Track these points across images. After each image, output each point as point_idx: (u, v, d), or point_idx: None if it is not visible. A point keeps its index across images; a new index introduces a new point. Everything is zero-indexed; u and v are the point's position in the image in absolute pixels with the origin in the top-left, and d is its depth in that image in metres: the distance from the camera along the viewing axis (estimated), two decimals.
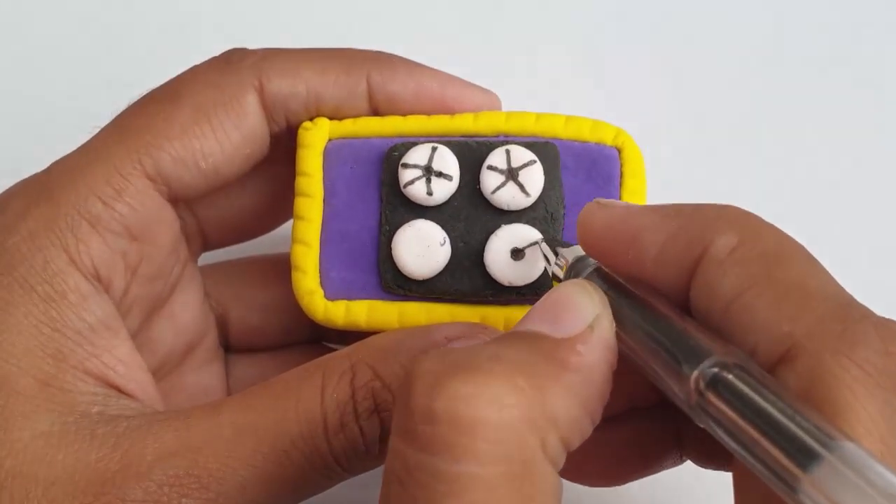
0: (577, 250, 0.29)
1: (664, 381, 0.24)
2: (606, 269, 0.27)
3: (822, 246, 0.42)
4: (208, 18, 0.47)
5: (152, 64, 0.44)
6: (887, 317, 0.23)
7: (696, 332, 0.24)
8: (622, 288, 0.26)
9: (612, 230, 0.27)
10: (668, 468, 0.30)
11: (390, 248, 0.33)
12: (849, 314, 0.23)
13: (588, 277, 0.27)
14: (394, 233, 0.33)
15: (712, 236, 0.25)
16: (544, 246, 0.31)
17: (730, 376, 0.23)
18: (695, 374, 0.23)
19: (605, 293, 0.26)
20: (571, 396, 0.24)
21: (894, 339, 0.22)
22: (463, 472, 0.22)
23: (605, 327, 0.25)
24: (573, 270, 0.28)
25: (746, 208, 0.26)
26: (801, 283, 0.24)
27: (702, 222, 0.25)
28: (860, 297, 0.24)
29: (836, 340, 0.22)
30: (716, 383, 0.23)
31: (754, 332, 0.24)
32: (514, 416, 0.23)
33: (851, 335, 0.22)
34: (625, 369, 0.25)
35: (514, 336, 0.25)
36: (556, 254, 0.30)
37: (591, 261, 0.28)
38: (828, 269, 0.25)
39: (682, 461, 0.30)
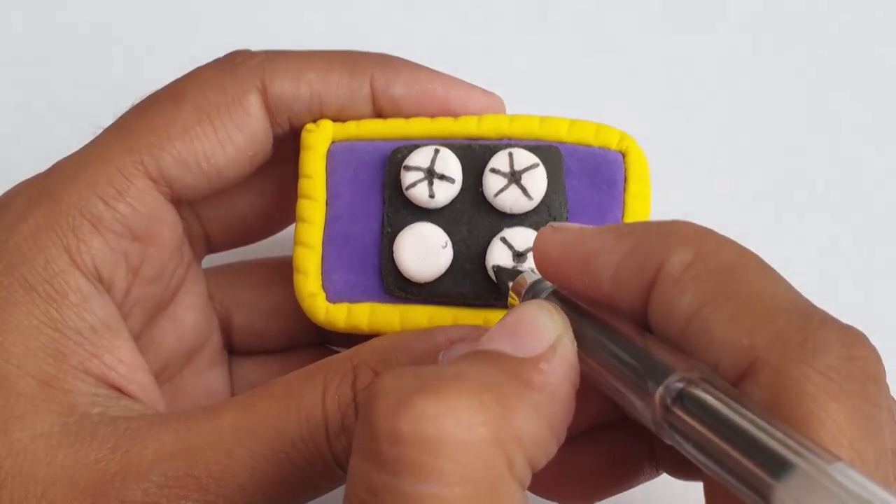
0: (533, 274, 0.29)
1: (628, 400, 0.24)
2: (563, 292, 0.27)
3: (824, 246, 0.43)
4: (212, 20, 0.47)
5: (156, 65, 0.44)
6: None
7: (657, 348, 0.24)
8: (581, 309, 0.26)
9: (567, 253, 0.27)
10: (644, 482, 0.30)
11: (392, 251, 0.33)
12: (808, 322, 0.23)
13: (546, 300, 0.27)
14: (396, 235, 0.33)
15: (666, 254, 0.25)
16: (499, 272, 0.31)
17: (696, 390, 0.22)
18: (659, 390, 0.23)
19: (565, 314, 0.26)
20: (536, 415, 0.23)
21: (856, 344, 0.22)
22: (429, 494, 0.22)
23: (567, 347, 0.25)
24: (531, 293, 0.28)
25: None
26: (758, 294, 0.23)
27: (655, 240, 0.25)
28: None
29: (797, 350, 0.22)
30: (682, 398, 0.23)
31: (715, 348, 0.23)
32: (480, 435, 0.22)
33: (812, 343, 0.22)
34: (586, 389, 0.25)
35: (477, 354, 0.25)
36: (514, 276, 0.30)
37: (548, 283, 0.28)
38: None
39: (657, 474, 0.30)
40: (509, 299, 0.29)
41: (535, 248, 0.28)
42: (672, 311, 0.24)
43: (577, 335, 0.25)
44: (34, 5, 0.47)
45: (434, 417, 0.22)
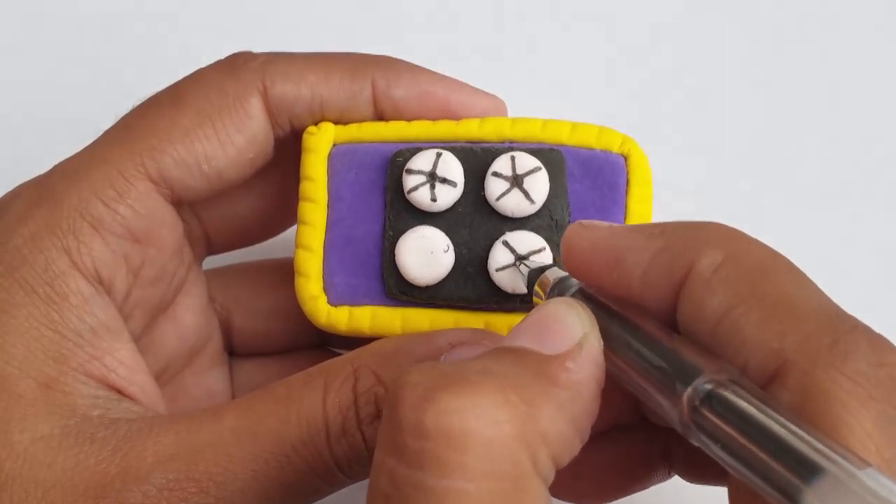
0: (559, 271, 0.29)
1: (654, 400, 0.24)
2: (590, 290, 0.27)
3: (824, 247, 0.42)
4: (213, 21, 0.47)
5: (157, 67, 0.44)
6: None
7: (686, 349, 0.24)
8: (607, 307, 0.26)
9: (596, 251, 0.27)
10: (656, 484, 0.30)
11: (394, 254, 0.33)
12: (838, 327, 0.23)
13: (573, 297, 0.27)
14: (397, 239, 0.33)
15: (697, 254, 0.25)
16: (523, 268, 0.31)
17: (725, 392, 0.22)
18: (688, 391, 0.23)
19: (592, 312, 0.26)
20: (561, 413, 0.23)
21: (886, 350, 0.22)
22: (452, 489, 0.22)
23: (594, 345, 0.25)
24: (556, 290, 0.28)
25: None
26: (788, 297, 0.23)
27: (685, 240, 0.25)
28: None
29: (826, 354, 0.22)
30: (710, 399, 0.23)
31: (744, 350, 0.23)
32: (505, 432, 0.22)
33: (842, 348, 0.22)
34: (609, 388, 0.25)
35: (503, 351, 0.25)
36: (539, 273, 0.29)
37: (574, 281, 0.28)
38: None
39: (670, 476, 0.30)
40: (534, 297, 0.29)
41: (564, 245, 0.28)
42: (701, 312, 0.24)
43: (604, 333, 0.25)
44: (34, 5, 0.47)
45: (459, 413, 0.22)
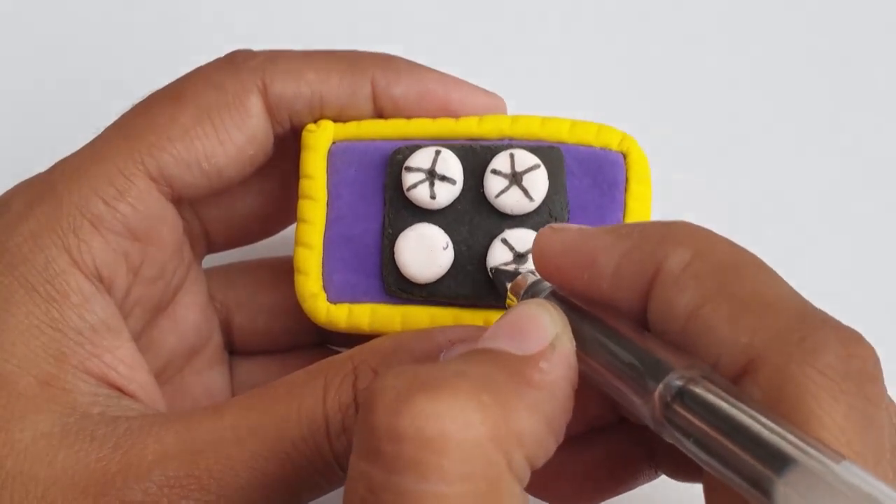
0: (532, 274, 0.29)
1: (628, 398, 0.24)
2: (562, 293, 0.27)
3: (824, 247, 0.43)
4: (213, 20, 0.47)
5: (157, 67, 0.44)
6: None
7: (657, 347, 0.24)
8: (579, 308, 0.26)
9: (567, 254, 0.27)
10: (643, 483, 0.30)
11: (393, 252, 0.33)
12: (807, 321, 0.23)
13: (545, 300, 0.27)
14: (397, 236, 0.33)
15: (665, 253, 0.25)
16: (497, 273, 0.31)
17: (696, 388, 0.23)
18: (659, 387, 0.23)
19: (564, 313, 0.26)
20: (536, 414, 0.23)
21: (854, 343, 0.22)
22: (429, 492, 0.22)
23: (567, 345, 0.25)
24: (529, 293, 0.28)
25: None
26: (757, 293, 0.24)
27: (654, 240, 0.25)
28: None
29: (796, 349, 0.22)
30: (682, 395, 0.23)
31: (715, 346, 0.23)
32: (480, 434, 0.22)
33: (811, 342, 0.22)
34: (584, 390, 0.25)
35: (476, 353, 0.25)
36: (513, 277, 0.30)
37: (547, 284, 0.28)
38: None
39: (656, 475, 0.30)
40: (507, 300, 0.30)
41: (535, 249, 0.28)
42: (671, 310, 0.24)
43: (576, 334, 0.25)
44: (35, 5, 0.47)
45: (434, 416, 0.22)
